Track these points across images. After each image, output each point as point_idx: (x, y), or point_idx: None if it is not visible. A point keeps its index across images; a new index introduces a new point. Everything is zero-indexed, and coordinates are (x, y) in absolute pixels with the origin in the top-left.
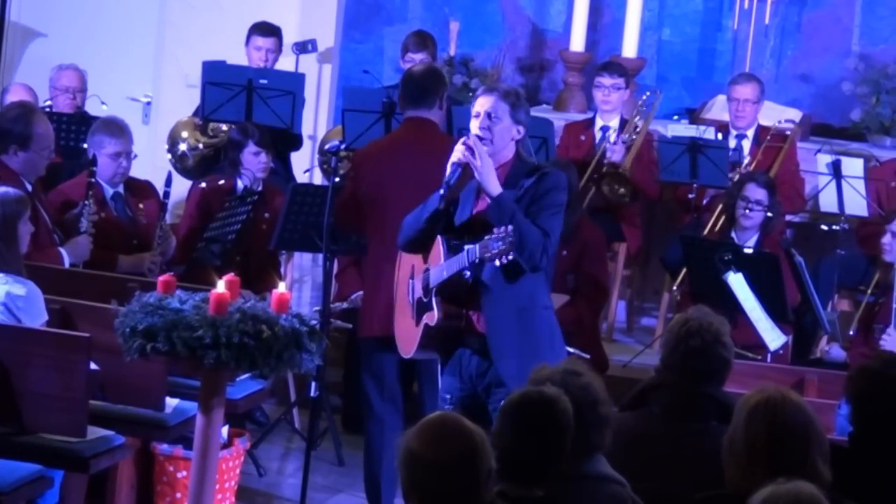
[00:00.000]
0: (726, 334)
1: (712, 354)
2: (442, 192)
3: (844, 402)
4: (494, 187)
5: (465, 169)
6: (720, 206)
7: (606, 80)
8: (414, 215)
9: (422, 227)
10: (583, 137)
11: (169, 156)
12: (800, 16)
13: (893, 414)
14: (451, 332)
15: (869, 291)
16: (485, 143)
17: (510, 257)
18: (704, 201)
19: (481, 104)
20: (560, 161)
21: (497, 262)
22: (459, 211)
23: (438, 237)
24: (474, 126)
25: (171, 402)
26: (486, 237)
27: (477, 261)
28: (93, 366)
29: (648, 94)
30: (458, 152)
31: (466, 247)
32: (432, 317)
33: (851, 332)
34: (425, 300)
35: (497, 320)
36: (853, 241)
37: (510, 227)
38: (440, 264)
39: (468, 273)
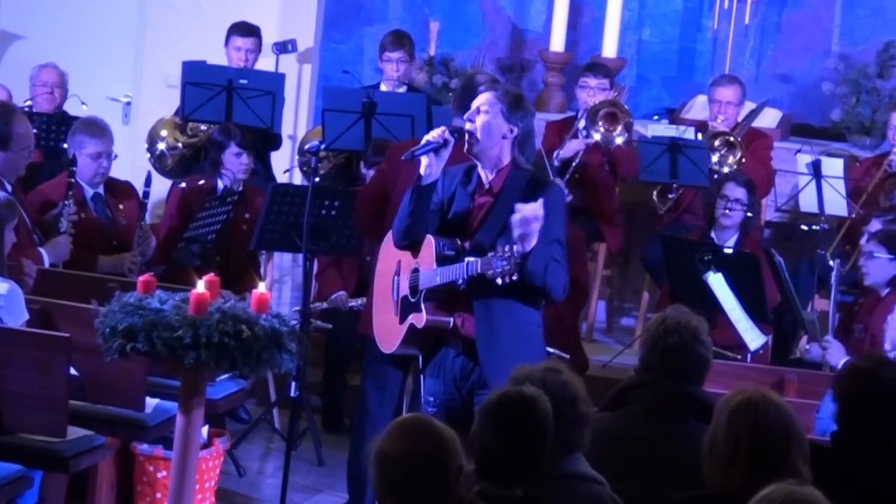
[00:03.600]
0: (704, 333)
1: (691, 352)
2: (402, 157)
3: (828, 401)
4: (533, 241)
5: (437, 152)
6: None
7: (591, 81)
8: (399, 210)
9: (408, 212)
10: (566, 136)
11: (148, 155)
12: (780, 16)
13: (880, 415)
14: (435, 334)
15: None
16: (470, 136)
17: (514, 278)
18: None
19: (477, 100)
20: (541, 163)
21: (499, 281)
22: (455, 208)
23: (430, 238)
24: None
25: (151, 402)
26: (490, 254)
27: (476, 275)
28: (73, 371)
29: (619, 89)
30: (436, 132)
31: (467, 259)
32: (420, 318)
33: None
34: (412, 300)
35: (492, 339)
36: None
37: (515, 248)
38: (433, 269)
39: (461, 282)
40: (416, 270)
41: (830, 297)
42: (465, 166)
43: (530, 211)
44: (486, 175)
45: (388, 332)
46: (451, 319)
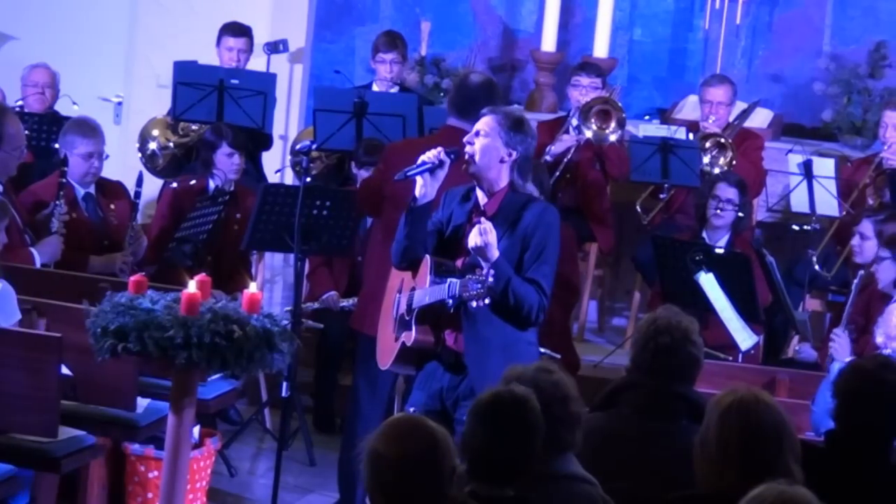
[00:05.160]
0: (695, 333)
1: (681, 352)
2: (395, 177)
3: (824, 394)
4: (493, 254)
5: (432, 172)
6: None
7: (584, 80)
8: (396, 232)
9: (404, 234)
10: (557, 136)
11: (139, 155)
12: (771, 16)
13: (877, 416)
14: (424, 353)
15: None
16: (468, 159)
17: (486, 301)
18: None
19: (479, 123)
20: (538, 164)
21: (473, 304)
22: (452, 225)
23: (427, 257)
24: None
25: (143, 403)
26: (468, 276)
27: (457, 296)
28: (65, 370)
29: (611, 90)
30: (432, 153)
31: (449, 280)
32: (409, 337)
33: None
34: (407, 318)
35: (481, 356)
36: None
37: (490, 272)
38: (424, 288)
39: (451, 302)
40: (413, 290)
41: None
42: (467, 187)
43: (475, 231)
44: (482, 197)
45: (385, 349)
46: (440, 340)
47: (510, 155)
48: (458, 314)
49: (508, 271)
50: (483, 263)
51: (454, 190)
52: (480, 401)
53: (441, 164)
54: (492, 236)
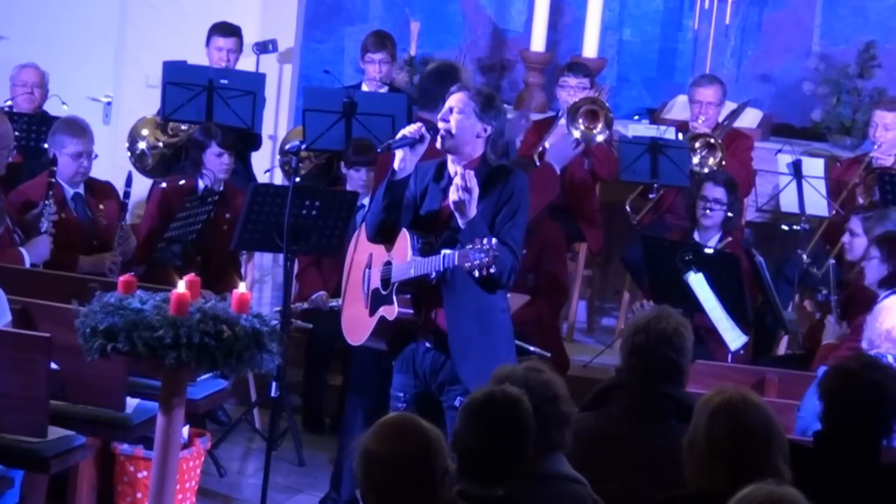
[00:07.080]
0: (679, 336)
1: (656, 353)
2: (378, 149)
3: (809, 399)
4: (471, 211)
5: (412, 146)
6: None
7: (572, 81)
8: (372, 204)
9: (381, 206)
10: (545, 136)
11: (128, 155)
12: (760, 16)
13: (864, 416)
14: (405, 327)
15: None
16: (444, 134)
17: (491, 271)
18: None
19: (450, 100)
20: (522, 161)
21: (476, 273)
22: (427, 203)
23: (405, 231)
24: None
25: (132, 402)
26: (469, 247)
27: (453, 267)
28: (53, 365)
29: (600, 89)
30: (413, 127)
31: (444, 252)
32: (391, 311)
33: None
34: (384, 293)
35: (459, 323)
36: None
37: (493, 241)
38: (407, 262)
39: (434, 274)
40: (388, 263)
41: (831, 300)
42: (437, 162)
43: (458, 180)
44: (455, 171)
45: (357, 325)
46: (422, 313)
47: (485, 130)
48: (437, 286)
49: (484, 229)
50: (461, 221)
51: (424, 165)
52: (473, 400)
53: (422, 138)
54: (475, 191)
